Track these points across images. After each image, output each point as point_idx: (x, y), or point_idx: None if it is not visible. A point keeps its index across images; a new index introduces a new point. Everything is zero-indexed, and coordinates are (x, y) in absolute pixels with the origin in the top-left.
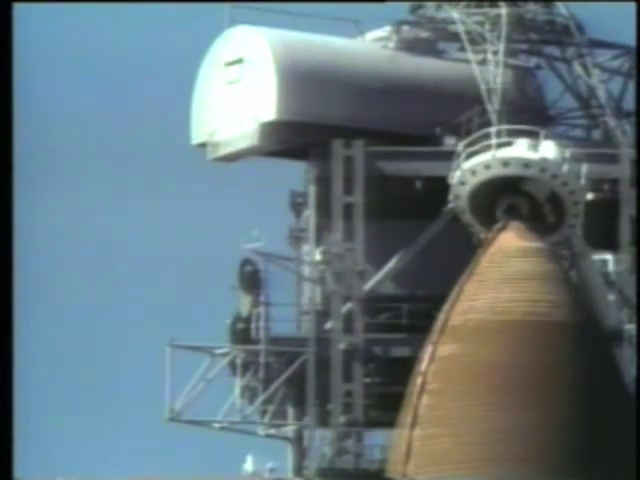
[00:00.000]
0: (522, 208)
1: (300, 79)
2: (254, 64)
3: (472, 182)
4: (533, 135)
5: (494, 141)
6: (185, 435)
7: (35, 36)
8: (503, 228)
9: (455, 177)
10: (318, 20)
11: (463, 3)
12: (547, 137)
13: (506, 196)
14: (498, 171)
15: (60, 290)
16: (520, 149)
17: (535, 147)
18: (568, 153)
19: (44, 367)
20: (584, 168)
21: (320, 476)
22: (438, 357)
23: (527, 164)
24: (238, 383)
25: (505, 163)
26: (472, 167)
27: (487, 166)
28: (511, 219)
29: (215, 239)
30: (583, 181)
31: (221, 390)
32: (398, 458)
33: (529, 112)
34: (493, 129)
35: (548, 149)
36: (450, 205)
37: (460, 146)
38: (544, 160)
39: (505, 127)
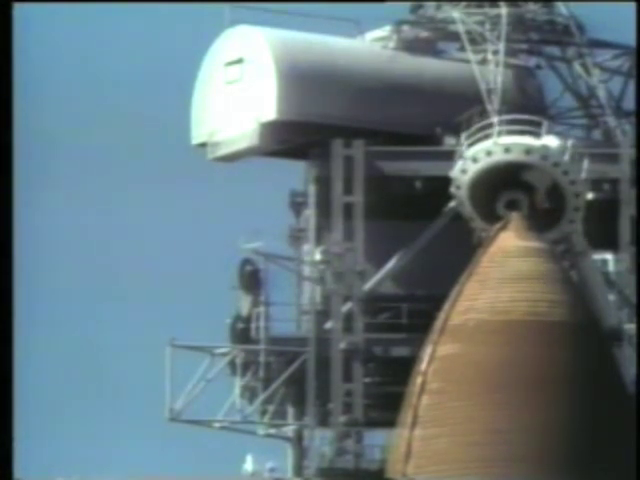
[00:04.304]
0: (522, 203)
1: (300, 79)
2: (254, 64)
3: (473, 169)
4: (535, 125)
5: (496, 129)
6: (185, 435)
7: (35, 36)
8: (503, 228)
9: (456, 166)
10: (318, 20)
11: (463, 3)
12: (548, 132)
13: (506, 191)
14: (499, 157)
15: (60, 290)
16: (522, 137)
17: (537, 135)
18: (570, 143)
19: (44, 367)
20: (585, 163)
21: (320, 476)
22: (438, 357)
23: (529, 150)
24: (238, 383)
25: (507, 149)
26: (474, 154)
27: (489, 152)
28: (512, 212)
29: (215, 239)
30: (584, 175)
31: (221, 390)
32: (398, 458)
33: (529, 112)
34: (495, 119)
35: (550, 139)
36: (451, 204)
37: (462, 138)
38: (546, 147)
39: (507, 117)
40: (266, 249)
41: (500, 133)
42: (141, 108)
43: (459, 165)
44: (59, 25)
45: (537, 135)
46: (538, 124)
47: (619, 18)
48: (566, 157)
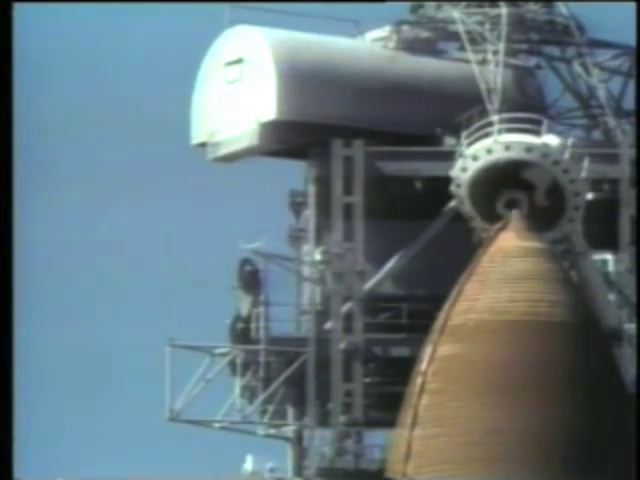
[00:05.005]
0: (522, 203)
1: (300, 79)
2: (254, 64)
3: (473, 167)
4: (535, 123)
5: (496, 127)
6: (185, 435)
7: (35, 36)
8: (503, 228)
9: (456, 165)
10: (318, 20)
11: (463, 3)
12: (549, 131)
13: (506, 190)
14: (500, 155)
15: (60, 290)
16: (522, 135)
17: (537, 133)
18: (570, 142)
19: (44, 367)
20: (586, 162)
21: (320, 476)
22: (438, 357)
23: (529, 148)
24: (238, 383)
25: (507, 147)
26: (474, 152)
27: (489, 150)
28: (512, 210)
29: (215, 239)
30: (584, 174)
31: (221, 390)
32: (398, 458)
33: (529, 112)
34: (495, 117)
35: (550, 138)
36: (451, 204)
37: (462, 137)
38: (546, 145)
39: (507, 115)
40: (266, 249)
41: (500, 131)
42: (141, 108)
43: (459, 163)
44: (59, 25)
45: (537, 133)
46: (538, 122)
47: (619, 18)
48: (566, 156)
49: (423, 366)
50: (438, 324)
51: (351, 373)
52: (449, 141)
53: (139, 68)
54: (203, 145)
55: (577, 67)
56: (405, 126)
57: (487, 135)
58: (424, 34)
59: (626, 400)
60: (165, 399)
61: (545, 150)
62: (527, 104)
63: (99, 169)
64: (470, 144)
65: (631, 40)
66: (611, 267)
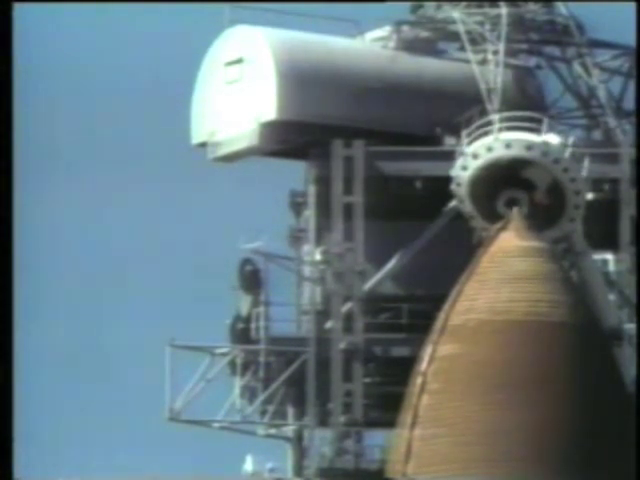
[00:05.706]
0: (522, 202)
1: (300, 79)
2: (254, 64)
3: (474, 166)
4: (536, 121)
5: (497, 125)
6: (185, 435)
7: (35, 36)
8: (503, 227)
9: (457, 164)
10: (318, 20)
11: (463, 3)
12: (549, 130)
13: (506, 189)
14: (500, 153)
15: (60, 290)
16: (523, 134)
17: (538, 132)
18: (570, 140)
19: (44, 367)
20: (586, 162)
21: (320, 476)
22: (438, 357)
23: (529, 146)
24: (238, 383)
25: (507, 145)
26: (474, 150)
27: (489, 148)
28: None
29: (215, 239)
30: (585, 173)
31: (221, 390)
32: (398, 458)
33: (529, 112)
34: (495, 116)
35: (551, 136)
36: (451, 204)
37: (463, 136)
38: (546, 144)
39: (507, 114)
40: (266, 249)
41: (501, 130)
42: (141, 108)
43: (460, 162)
44: (59, 25)
45: (538, 132)
46: (539, 121)
47: (619, 18)
48: (567, 154)
49: (423, 366)
50: (438, 324)
51: (351, 373)
52: (449, 141)
53: (139, 68)
54: (203, 145)
55: (577, 67)
56: (405, 126)
57: (487, 134)
58: (424, 34)
59: (626, 400)
60: (165, 399)
61: (545, 148)
62: (527, 104)
63: (99, 169)
64: (470, 142)
65: (631, 40)
66: (611, 267)
